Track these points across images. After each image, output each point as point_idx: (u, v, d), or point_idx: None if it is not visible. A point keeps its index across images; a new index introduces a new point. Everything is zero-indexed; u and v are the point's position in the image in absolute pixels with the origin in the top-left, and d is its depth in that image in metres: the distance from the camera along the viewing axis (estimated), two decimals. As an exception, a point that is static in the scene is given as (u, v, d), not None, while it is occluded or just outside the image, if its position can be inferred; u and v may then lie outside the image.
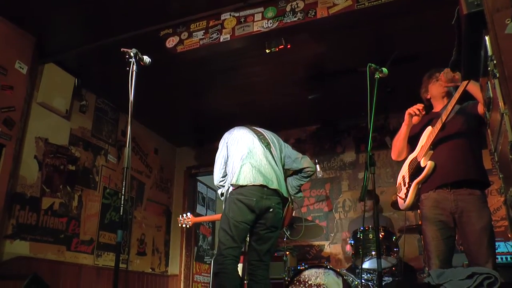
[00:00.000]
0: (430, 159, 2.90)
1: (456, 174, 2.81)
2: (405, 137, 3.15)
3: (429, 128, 2.97)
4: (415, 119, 3.10)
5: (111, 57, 4.00)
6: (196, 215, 6.97)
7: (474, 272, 2.12)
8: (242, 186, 3.12)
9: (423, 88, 3.24)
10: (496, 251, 2.82)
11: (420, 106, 3.06)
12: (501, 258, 3.96)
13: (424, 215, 2.93)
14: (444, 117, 2.81)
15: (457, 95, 2.75)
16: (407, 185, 3.09)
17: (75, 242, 4.85)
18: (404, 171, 3.19)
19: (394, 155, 3.30)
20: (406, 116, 3.10)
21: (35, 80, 4.53)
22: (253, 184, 3.11)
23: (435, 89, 3.13)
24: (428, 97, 3.20)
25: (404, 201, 3.08)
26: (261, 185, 3.12)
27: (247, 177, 3.13)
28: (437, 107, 3.15)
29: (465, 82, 2.65)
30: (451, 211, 2.80)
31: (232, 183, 3.18)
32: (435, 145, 2.91)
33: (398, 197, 3.23)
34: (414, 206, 3.08)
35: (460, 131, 2.90)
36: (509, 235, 1.74)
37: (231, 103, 5.66)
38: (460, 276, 2.14)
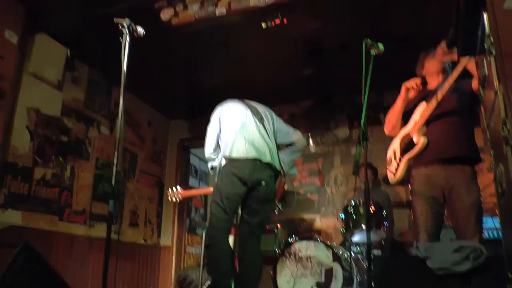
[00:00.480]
0: (423, 135, 2.93)
1: (449, 150, 2.85)
2: (400, 111, 3.16)
3: (424, 104, 2.98)
4: (412, 93, 3.10)
5: (104, 28, 3.92)
6: (188, 187, 7.01)
7: (461, 246, 2.17)
8: (235, 159, 3.14)
9: (419, 65, 3.24)
10: (484, 226, 2.87)
11: (418, 80, 3.07)
12: (488, 233, 4.05)
13: (414, 190, 2.97)
14: (440, 95, 2.82)
15: (455, 73, 2.74)
16: (398, 160, 3.12)
17: (68, 213, 4.86)
18: (396, 145, 3.21)
19: (387, 129, 3.31)
20: (403, 90, 3.10)
21: (26, 50, 4.45)
22: (246, 157, 3.12)
23: (431, 65, 3.12)
24: (424, 73, 3.20)
25: (394, 175, 3.12)
26: (254, 159, 3.13)
27: (240, 150, 3.14)
28: (431, 84, 3.15)
29: (464, 61, 2.64)
30: (441, 187, 2.84)
31: (225, 155, 3.19)
32: (428, 121, 2.93)
33: (388, 171, 3.26)
34: (404, 181, 3.12)
35: (454, 109, 2.92)
36: (497, 211, 1.77)
37: (226, 77, 5.62)
38: (447, 249, 2.18)
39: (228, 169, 3.13)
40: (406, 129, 3.12)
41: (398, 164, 3.11)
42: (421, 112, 2.98)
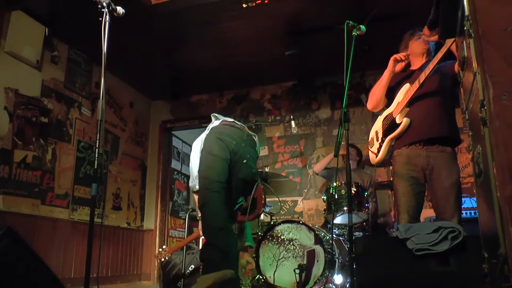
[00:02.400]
0: (405, 116, 2.95)
1: (430, 131, 2.87)
2: (386, 84, 3.13)
3: (407, 85, 2.99)
4: (399, 66, 3.10)
5: (83, 7, 3.85)
6: (171, 170, 7.00)
7: (440, 226, 2.21)
8: (225, 120, 3.14)
9: (403, 45, 3.23)
10: (462, 206, 2.92)
11: (406, 53, 3.07)
12: (466, 213, 4.13)
13: (396, 171, 2.99)
14: (423, 76, 2.82)
15: (440, 55, 2.73)
16: (380, 141, 3.14)
17: (50, 196, 4.82)
18: (378, 126, 3.23)
19: (371, 105, 3.28)
20: (391, 62, 3.08)
21: (1, 28, 4.34)
22: (234, 123, 3.13)
23: (416, 46, 3.12)
24: (407, 53, 3.19)
25: (376, 156, 3.14)
26: (242, 129, 3.14)
27: (229, 120, 3.16)
28: (415, 65, 3.15)
29: (449, 42, 2.64)
30: (422, 167, 2.88)
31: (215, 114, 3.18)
32: (411, 102, 2.94)
33: (370, 151, 3.28)
34: (386, 162, 3.14)
35: (436, 90, 2.93)
36: (474, 191, 1.80)
37: (207, 58, 5.57)
38: (426, 230, 2.22)
39: (217, 136, 3.04)
40: (389, 109, 3.14)
41: (380, 145, 3.13)
42: (404, 92, 2.99)
